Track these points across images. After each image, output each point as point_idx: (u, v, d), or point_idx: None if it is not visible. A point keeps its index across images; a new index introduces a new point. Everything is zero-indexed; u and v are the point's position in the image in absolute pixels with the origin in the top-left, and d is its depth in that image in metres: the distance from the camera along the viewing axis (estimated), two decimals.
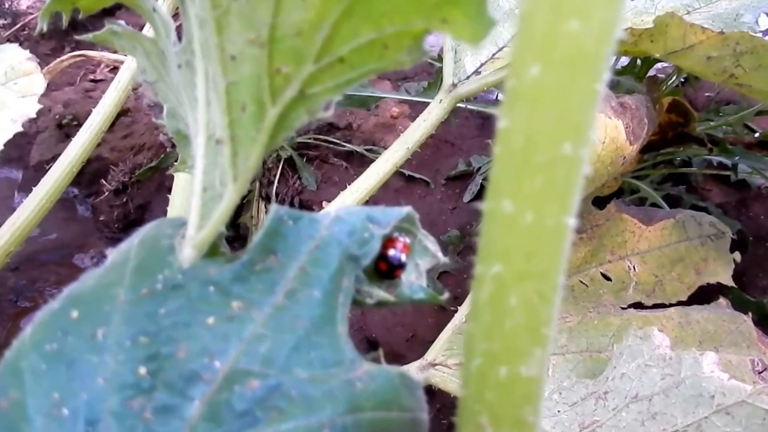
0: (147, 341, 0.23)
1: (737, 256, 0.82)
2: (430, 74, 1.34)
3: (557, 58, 0.16)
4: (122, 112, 1.28)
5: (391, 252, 0.30)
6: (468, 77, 0.74)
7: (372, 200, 0.76)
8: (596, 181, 0.66)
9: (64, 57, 0.93)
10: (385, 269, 0.30)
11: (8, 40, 1.57)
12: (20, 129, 0.45)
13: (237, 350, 0.24)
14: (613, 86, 0.86)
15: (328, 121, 1.17)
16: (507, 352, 0.21)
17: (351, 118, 1.16)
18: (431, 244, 0.31)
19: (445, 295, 0.31)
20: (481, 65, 0.75)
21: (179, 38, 0.30)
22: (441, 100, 0.72)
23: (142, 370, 0.23)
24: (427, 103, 1.03)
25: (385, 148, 0.79)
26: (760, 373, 0.72)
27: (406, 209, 0.30)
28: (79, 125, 1.31)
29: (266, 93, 0.24)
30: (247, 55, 0.23)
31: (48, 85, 1.50)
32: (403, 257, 0.31)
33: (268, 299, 0.25)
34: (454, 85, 0.73)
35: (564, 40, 0.16)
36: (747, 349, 0.75)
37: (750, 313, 0.77)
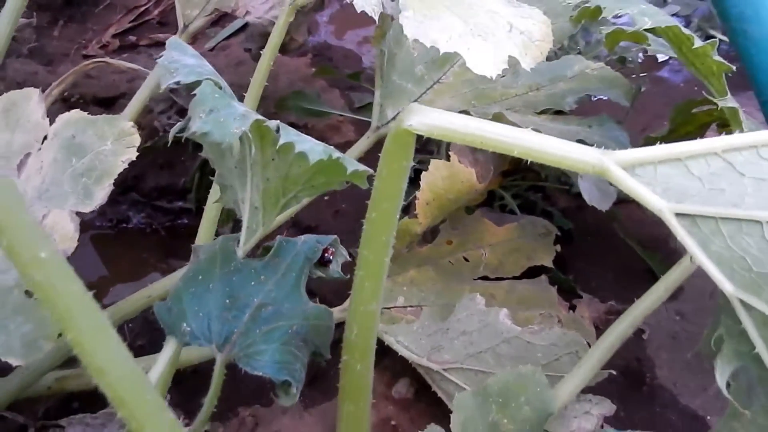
0: (229, 290, 0.60)
1: (558, 247, 1.22)
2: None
3: None
4: (120, 95, 1.56)
5: (326, 255, 0.69)
6: (387, 122, 1.11)
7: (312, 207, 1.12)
8: (458, 203, 1.05)
9: (88, 62, 1.20)
10: (322, 262, 0.69)
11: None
12: None
13: (262, 294, 0.62)
14: None
15: (290, 120, 1.51)
16: None
17: (307, 120, 1.51)
18: (344, 251, 0.70)
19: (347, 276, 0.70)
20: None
21: None
22: (368, 137, 1.09)
23: (228, 303, 0.60)
24: (365, 121, 1.39)
25: (334, 146, 1.15)
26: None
27: (333, 237, 0.68)
28: (86, 102, 1.55)
29: (280, 194, 0.61)
30: (274, 181, 0.60)
31: (50, 61, 1.72)
32: (331, 257, 0.69)
33: (275, 276, 0.63)
34: (378, 128, 1.10)
35: None
36: (549, 308, 1.17)
37: (557, 286, 1.18)
